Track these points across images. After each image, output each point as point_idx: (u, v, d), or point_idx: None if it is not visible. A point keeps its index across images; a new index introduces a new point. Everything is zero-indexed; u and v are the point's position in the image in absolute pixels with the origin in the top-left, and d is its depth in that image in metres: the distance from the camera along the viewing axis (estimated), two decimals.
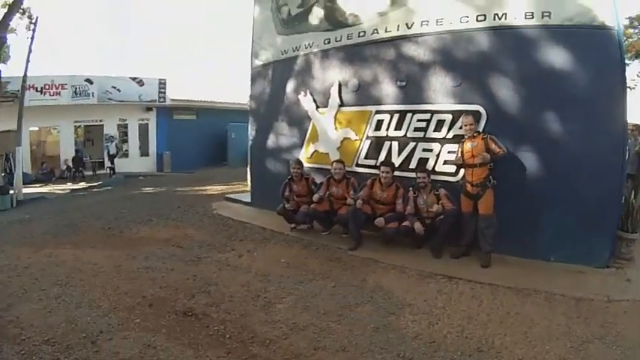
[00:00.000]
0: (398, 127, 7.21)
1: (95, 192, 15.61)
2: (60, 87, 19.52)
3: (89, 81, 20.10)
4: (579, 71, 5.55)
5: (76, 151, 19.98)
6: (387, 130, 7.36)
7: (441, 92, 6.73)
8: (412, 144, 7.02)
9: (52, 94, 19.33)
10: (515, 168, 5.95)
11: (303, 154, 8.92)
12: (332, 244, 7.01)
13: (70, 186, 17.20)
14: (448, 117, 6.61)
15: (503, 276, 5.47)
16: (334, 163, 7.47)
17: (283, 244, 7.16)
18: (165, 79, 21.73)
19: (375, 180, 6.89)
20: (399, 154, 7.16)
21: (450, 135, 6.60)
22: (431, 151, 6.83)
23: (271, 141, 9.85)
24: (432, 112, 6.80)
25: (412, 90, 7.09)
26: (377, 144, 7.55)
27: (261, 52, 10.16)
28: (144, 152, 22.35)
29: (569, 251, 5.70)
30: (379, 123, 7.50)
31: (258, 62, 10.28)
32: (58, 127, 20.97)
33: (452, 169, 6.54)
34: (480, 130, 6.09)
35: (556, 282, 5.19)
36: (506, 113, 6.10)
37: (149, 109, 22.01)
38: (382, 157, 7.38)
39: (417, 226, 6.28)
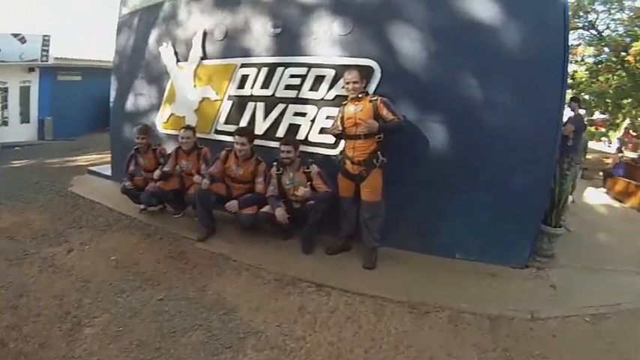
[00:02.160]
0: (265, 85, 5.38)
1: None
2: None
3: None
4: (510, 29, 4.11)
5: None
6: (252, 87, 5.51)
7: (325, 41, 4.95)
8: (281, 106, 5.24)
9: None
10: (416, 142, 4.47)
11: (160, 118, 6.95)
12: (180, 231, 5.35)
13: None
14: (330, 72, 4.89)
15: (393, 283, 4.03)
16: (181, 130, 5.61)
17: (125, 231, 5.45)
18: (49, 36, 18.03)
19: (231, 152, 5.09)
20: (265, 118, 5.36)
21: (331, 95, 4.89)
22: (304, 115, 5.07)
23: (130, 102, 7.70)
24: (310, 66, 5.03)
25: (288, 38, 5.26)
26: (240, 105, 5.70)
27: None
28: (25, 119, 18.67)
29: (480, 247, 4.43)
30: (244, 79, 5.63)
31: (125, 10, 8.00)
32: None
33: (331, 139, 4.87)
34: (371, 91, 4.52)
35: (464, 290, 3.92)
36: (409, 72, 4.52)
37: (31, 69, 18.31)
38: (245, 121, 5.48)
39: (279, 213, 4.60)
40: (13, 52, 17.23)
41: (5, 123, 18.10)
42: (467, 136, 4.33)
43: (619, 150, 15.09)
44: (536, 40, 4.09)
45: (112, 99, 8.33)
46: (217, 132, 5.93)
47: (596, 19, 14.39)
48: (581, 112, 6.94)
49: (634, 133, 17.57)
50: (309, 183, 4.57)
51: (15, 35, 17.22)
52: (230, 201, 4.88)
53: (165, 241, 5.11)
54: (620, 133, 16.95)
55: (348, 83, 4.23)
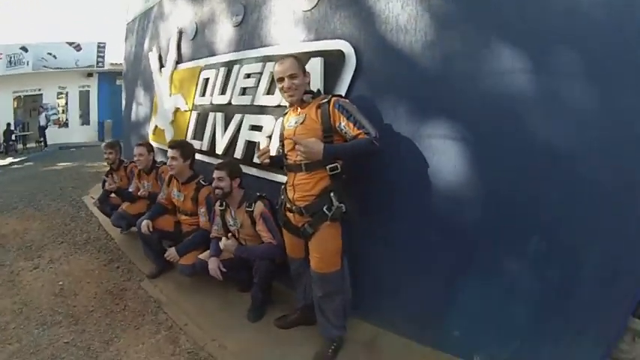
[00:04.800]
0: (223, 90, 3.93)
1: (11, 169, 12.61)
2: None
3: (24, 49, 16.36)
4: None
5: (8, 124, 16.32)
6: (212, 94, 4.08)
7: (287, 23, 3.29)
8: (238, 117, 3.70)
9: None
10: (410, 172, 2.46)
11: (150, 130, 5.76)
12: (141, 262, 4.25)
13: None
14: None
15: None
16: (135, 147, 4.42)
17: (93, 253, 4.67)
18: (104, 43, 17.67)
19: None
20: (224, 133, 3.87)
21: None
22: (260, 129, 3.43)
23: (134, 112, 6.80)
24: (265, 60, 3.41)
25: (248, 27, 3.73)
26: (203, 117, 4.30)
27: (132, 3, 7.04)
28: (85, 121, 18.57)
29: (516, 351, 2.20)
30: (205, 84, 4.25)
31: (130, 16, 7.18)
32: None
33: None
34: (343, 89, 2.71)
35: None
36: (402, 54, 2.47)
37: (90, 74, 18.07)
38: (207, 137, 4.11)
39: (212, 266, 3.12)
40: (68, 59, 17.12)
41: (66, 125, 18.12)
42: (503, 164, 2.14)
43: None
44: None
45: (123, 108, 7.46)
46: None
47: None
48: None
49: None
50: (253, 228, 3.09)
51: (70, 43, 17.05)
52: (170, 248, 3.54)
53: (119, 271, 4.18)
54: None
55: (280, 80, 2.39)
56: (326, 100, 2.33)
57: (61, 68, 17.10)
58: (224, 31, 4.06)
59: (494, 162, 2.18)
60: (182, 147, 3.61)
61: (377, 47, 2.62)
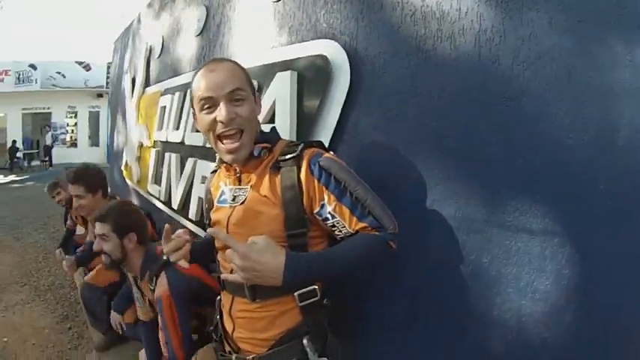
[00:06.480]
0: (177, 123, 2.87)
1: (10, 187, 12.11)
2: (3, 73, 15.70)
3: (33, 67, 16.04)
4: None
5: (13, 141, 15.83)
6: (167, 127, 3.00)
7: (252, 25, 2.07)
8: (190, 162, 2.61)
9: None
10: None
11: (122, 164, 4.81)
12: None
13: None
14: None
15: None
16: (70, 186, 3.19)
17: (51, 305, 3.86)
18: None
19: None
20: (178, 182, 2.77)
21: None
22: None
23: (115, 141, 5.79)
24: None
25: (210, 35, 2.63)
26: (161, 157, 3.26)
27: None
28: (94, 142, 18.00)
29: None
30: (163, 113, 3.19)
31: (118, 33, 6.10)
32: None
33: None
34: (314, 131, 1.49)
35: None
36: (446, 67, 1.12)
37: (100, 95, 17.43)
38: (163, 185, 3.02)
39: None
40: (77, 79, 16.68)
41: (75, 145, 17.63)
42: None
43: None
44: None
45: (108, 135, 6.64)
46: (149, 194, 3.50)
47: None
48: None
49: None
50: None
51: (79, 63, 16.55)
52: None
53: (69, 334, 3.29)
54: None
55: (207, 104, 1.10)
56: (292, 154, 1.11)
57: (70, 87, 16.61)
58: (186, 44, 3.04)
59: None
60: (85, 178, 2.57)
61: (392, 49, 1.30)
